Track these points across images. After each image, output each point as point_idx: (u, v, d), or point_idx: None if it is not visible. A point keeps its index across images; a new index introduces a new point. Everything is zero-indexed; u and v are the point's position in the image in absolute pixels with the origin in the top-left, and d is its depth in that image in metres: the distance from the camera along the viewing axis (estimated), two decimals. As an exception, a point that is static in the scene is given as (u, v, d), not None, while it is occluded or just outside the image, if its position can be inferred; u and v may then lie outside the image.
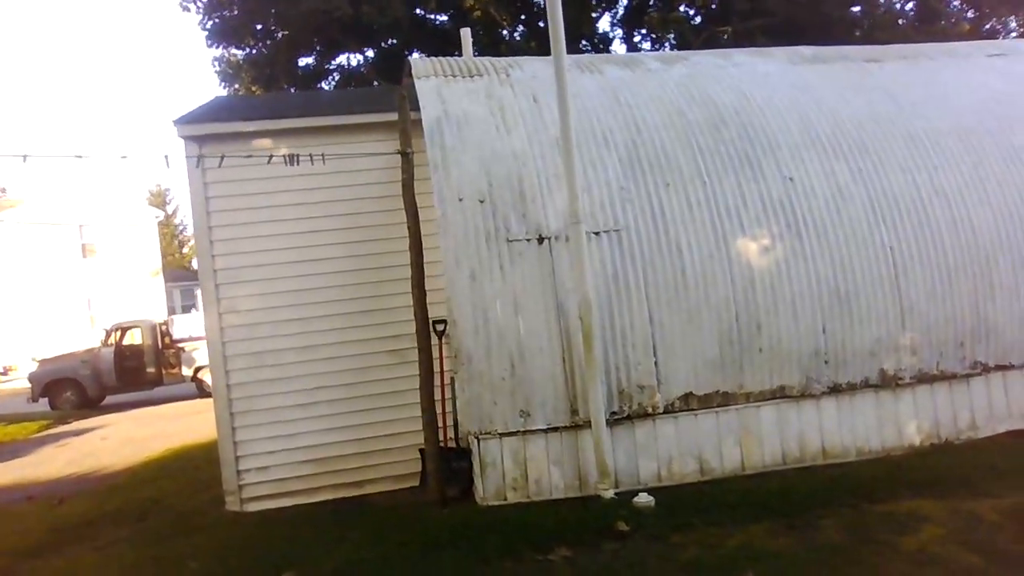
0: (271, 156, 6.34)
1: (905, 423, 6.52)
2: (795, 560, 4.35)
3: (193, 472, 8.86)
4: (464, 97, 7.06)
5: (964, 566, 4.06)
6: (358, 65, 20.23)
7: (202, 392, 17.85)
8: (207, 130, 7.04)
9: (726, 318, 6.29)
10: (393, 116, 6.99)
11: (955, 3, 16.83)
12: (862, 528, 4.73)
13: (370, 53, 19.95)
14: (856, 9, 16.46)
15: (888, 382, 6.48)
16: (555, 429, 6.10)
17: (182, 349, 18.52)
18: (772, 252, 6.46)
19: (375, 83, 19.12)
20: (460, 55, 8.90)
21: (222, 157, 5.84)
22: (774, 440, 6.35)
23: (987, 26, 16.94)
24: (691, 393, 6.24)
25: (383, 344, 7.12)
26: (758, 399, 6.33)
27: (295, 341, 7.02)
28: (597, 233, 6.34)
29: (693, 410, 6.24)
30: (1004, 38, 16.60)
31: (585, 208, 6.22)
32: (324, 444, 7.01)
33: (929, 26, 15.61)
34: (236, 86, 20.50)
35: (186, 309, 39.66)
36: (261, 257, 7.05)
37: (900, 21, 16.60)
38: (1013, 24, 17.09)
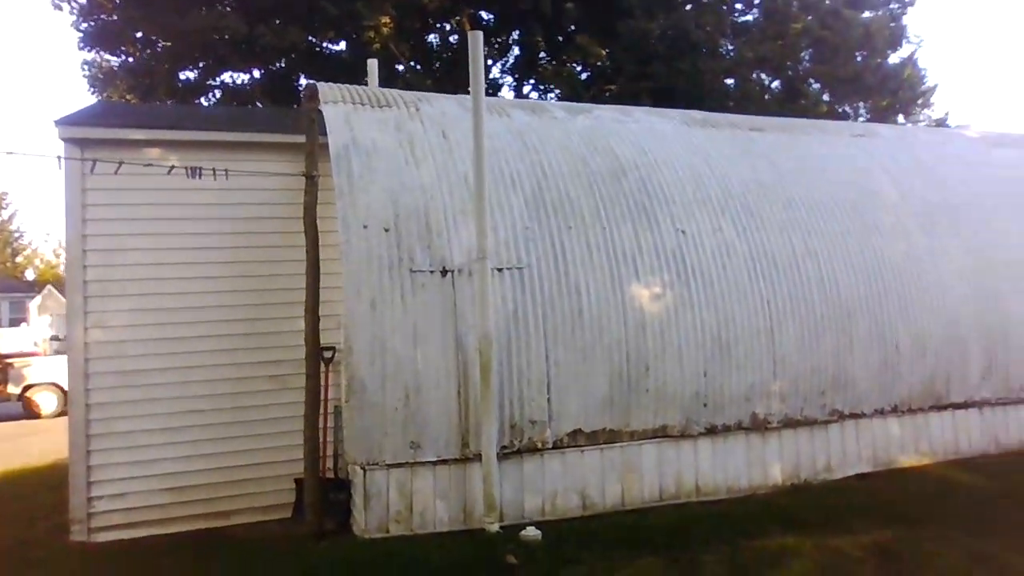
0: (172, 168, 6.07)
1: (771, 464, 6.96)
2: (682, 593, 4.53)
3: (26, 499, 8.10)
4: (373, 126, 7.05)
5: (834, 598, 4.37)
6: (243, 84, 19.68)
7: (31, 413, 16.44)
8: (93, 134, 6.65)
9: (617, 359, 6.53)
10: (296, 138, 6.91)
11: (815, 86, 18.54)
12: (739, 564, 4.99)
13: (257, 73, 19.49)
14: (730, 81, 17.77)
15: (759, 425, 6.92)
16: (444, 462, 6.08)
17: (10, 365, 17.04)
18: (663, 299, 6.79)
19: (259, 104, 18.66)
20: (354, 84, 8.86)
21: (120, 163, 5.53)
22: (653, 477, 6.60)
23: (841, 109, 18.77)
24: (580, 430, 6.40)
25: (263, 369, 6.88)
26: (641, 437, 6.58)
27: (168, 361, 6.66)
28: (500, 270, 6.45)
29: (580, 446, 6.40)
30: (855, 119, 18.42)
31: (490, 245, 6.32)
32: (189, 471, 6.63)
33: (792, 103, 17.09)
34: (107, 93, 19.43)
35: (15, 323, 36.18)
36: (139, 271, 6.69)
37: (767, 96, 18.06)
38: (863, 109, 19.06)
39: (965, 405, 7.84)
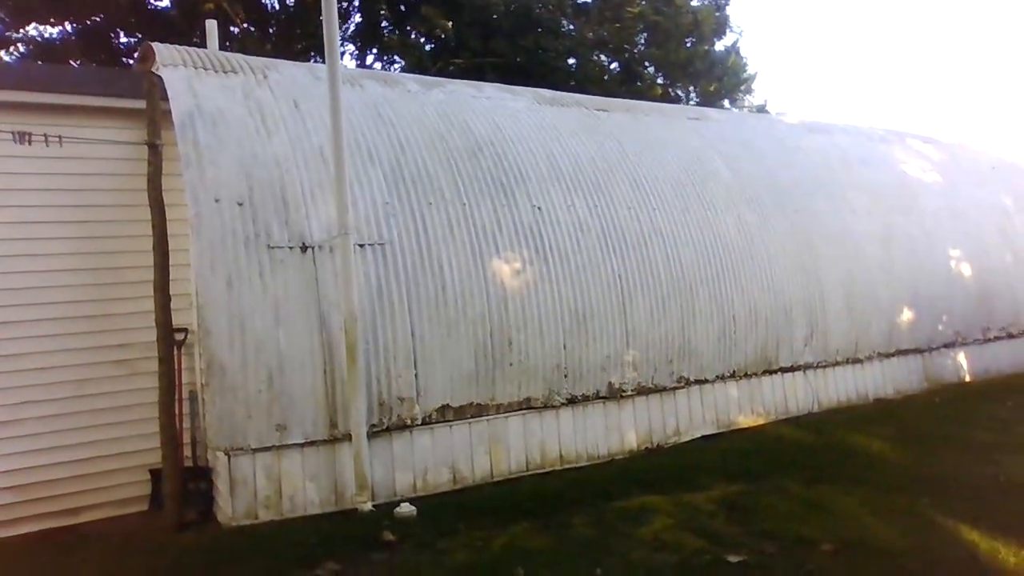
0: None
1: (626, 430, 7.40)
2: (557, 555, 4.75)
3: None
4: (219, 93, 6.69)
5: (693, 548, 4.76)
6: (53, 39, 17.79)
7: None
8: None
9: (482, 333, 6.65)
10: (136, 103, 6.43)
11: (650, 69, 19.50)
12: (606, 523, 5.29)
13: (69, 27, 17.67)
14: (572, 61, 18.29)
15: (614, 394, 7.32)
16: (312, 443, 5.97)
17: None
18: (523, 274, 6.97)
19: (76, 62, 16.98)
20: (182, 45, 8.30)
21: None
22: (519, 448, 6.83)
23: (674, 92, 19.89)
24: (448, 405, 6.48)
25: (109, 354, 6.40)
26: (507, 410, 6.77)
27: (-4, 349, 6.04)
28: (362, 246, 6.37)
29: (449, 421, 6.49)
30: (686, 102, 19.61)
31: (351, 220, 6.20)
32: (31, 467, 6.06)
33: (630, 85, 17.91)
34: None
35: None
36: (-44, 249, 5.98)
37: (606, 77, 18.78)
38: (693, 93, 20.32)
39: (792, 369, 8.68)
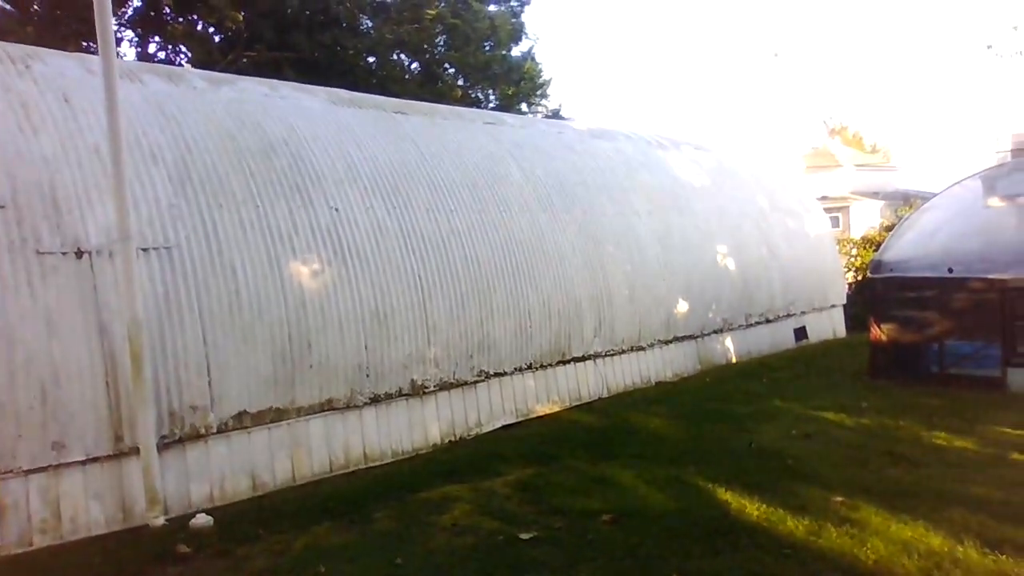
0: None
1: (430, 425, 7.62)
2: (359, 549, 4.85)
3: None
4: (-28, 86, 6.09)
5: (488, 530, 5.05)
6: None
7: None
8: None
9: (279, 337, 6.58)
10: None
11: (450, 71, 19.84)
12: (408, 514, 5.46)
13: None
14: (372, 60, 18.21)
15: (417, 391, 7.51)
16: (96, 459, 5.63)
17: None
18: (321, 276, 6.97)
19: None
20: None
21: None
22: (322, 450, 6.82)
23: (474, 94, 20.37)
24: (245, 411, 6.35)
25: None
26: (308, 413, 6.75)
27: None
28: (146, 250, 6.08)
29: (247, 428, 6.36)
30: (485, 105, 20.14)
31: (132, 224, 5.90)
32: None
33: (431, 86, 18.13)
34: None
35: None
36: None
37: (407, 77, 18.88)
38: (492, 96, 20.91)
39: (583, 358, 9.34)
